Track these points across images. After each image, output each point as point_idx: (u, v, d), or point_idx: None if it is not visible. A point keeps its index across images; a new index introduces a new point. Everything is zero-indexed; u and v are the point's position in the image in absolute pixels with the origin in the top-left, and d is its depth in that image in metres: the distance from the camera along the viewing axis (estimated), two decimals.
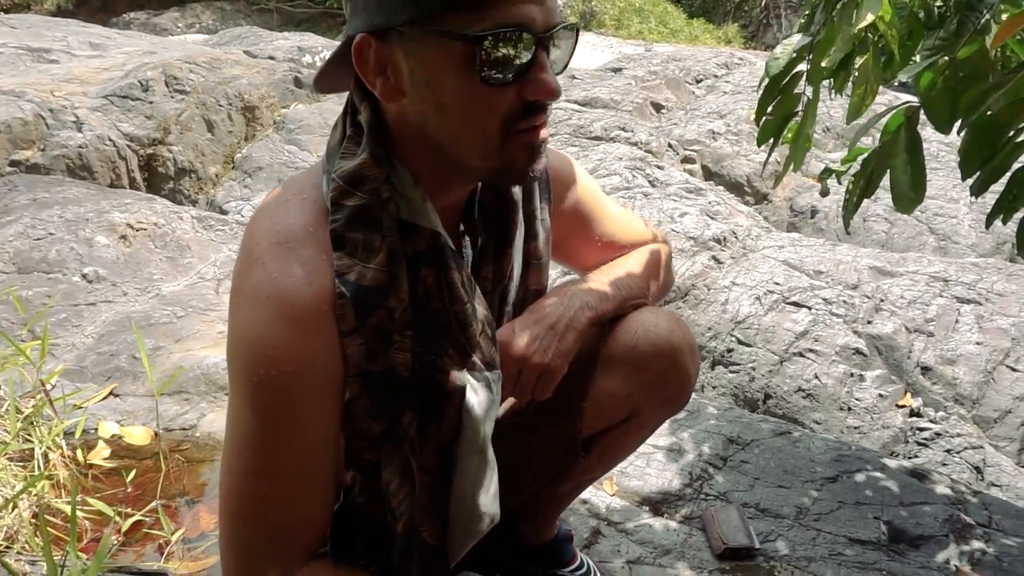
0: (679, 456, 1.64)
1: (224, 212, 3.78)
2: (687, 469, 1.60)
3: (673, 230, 2.95)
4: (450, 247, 0.77)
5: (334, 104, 4.71)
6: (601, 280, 0.98)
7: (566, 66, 0.77)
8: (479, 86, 0.69)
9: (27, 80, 3.79)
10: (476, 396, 0.80)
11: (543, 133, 0.75)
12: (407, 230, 0.75)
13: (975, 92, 1.19)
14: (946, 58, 1.16)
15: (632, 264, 1.02)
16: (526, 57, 0.69)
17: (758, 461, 1.64)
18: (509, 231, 0.88)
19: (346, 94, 0.80)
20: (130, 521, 1.42)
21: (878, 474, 1.63)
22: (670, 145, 3.85)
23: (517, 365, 0.88)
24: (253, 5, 12.02)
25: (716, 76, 4.52)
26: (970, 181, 1.29)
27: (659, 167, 3.39)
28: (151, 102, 3.99)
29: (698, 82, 4.49)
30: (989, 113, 1.18)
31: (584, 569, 1.25)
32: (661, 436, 1.71)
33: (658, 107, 4.24)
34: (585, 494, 1.51)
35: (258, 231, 0.75)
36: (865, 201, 1.37)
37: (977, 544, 1.43)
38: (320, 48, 5.03)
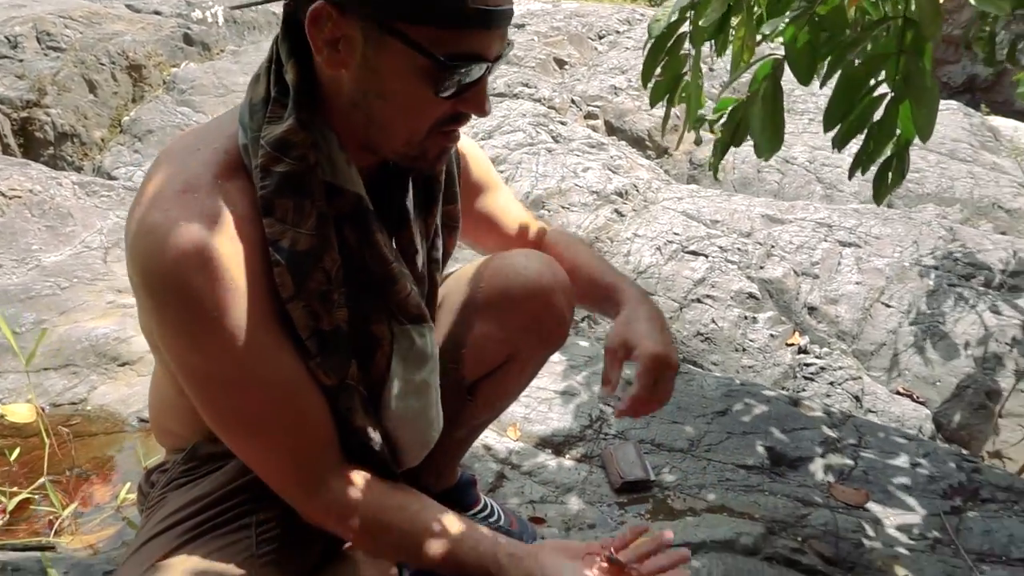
0: (579, 400, 1.71)
1: (113, 179, 3.57)
2: (586, 411, 1.66)
3: (576, 185, 3.00)
4: (371, 209, 0.79)
5: (228, 63, 4.49)
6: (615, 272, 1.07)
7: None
8: (428, 96, 0.73)
9: None
10: (401, 345, 0.85)
11: (458, 134, 0.80)
12: (331, 192, 0.77)
13: (835, 48, 1.25)
14: (806, 18, 1.21)
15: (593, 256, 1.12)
16: (474, 79, 0.73)
17: None
18: (435, 189, 0.91)
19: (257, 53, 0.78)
20: (16, 499, 1.36)
21: (763, 406, 1.74)
22: (573, 101, 3.89)
23: (672, 371, 0.95)
24: None
25: (618, 32, 4.57)
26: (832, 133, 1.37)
27: (562, 123, 3.43)
28: (21, 60, 3.70)
29: (600, 38, 4.52)
30: (849, 68, 1.26)
31: (488, 511, 1.29)
32: (561, 381, 1.77)
33: (561, 63, 4.26)
34: (489, 440, 1.55)
35: (162, 177, 0.74)
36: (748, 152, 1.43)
37: (847, 461, 1.56)
38: (211, 2, 4.76)
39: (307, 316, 0.76)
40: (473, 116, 0.78)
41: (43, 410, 1.63)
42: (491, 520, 1.27)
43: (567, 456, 1.54)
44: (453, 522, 0.86)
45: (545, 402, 1.67)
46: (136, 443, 1.57)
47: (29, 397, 1.66)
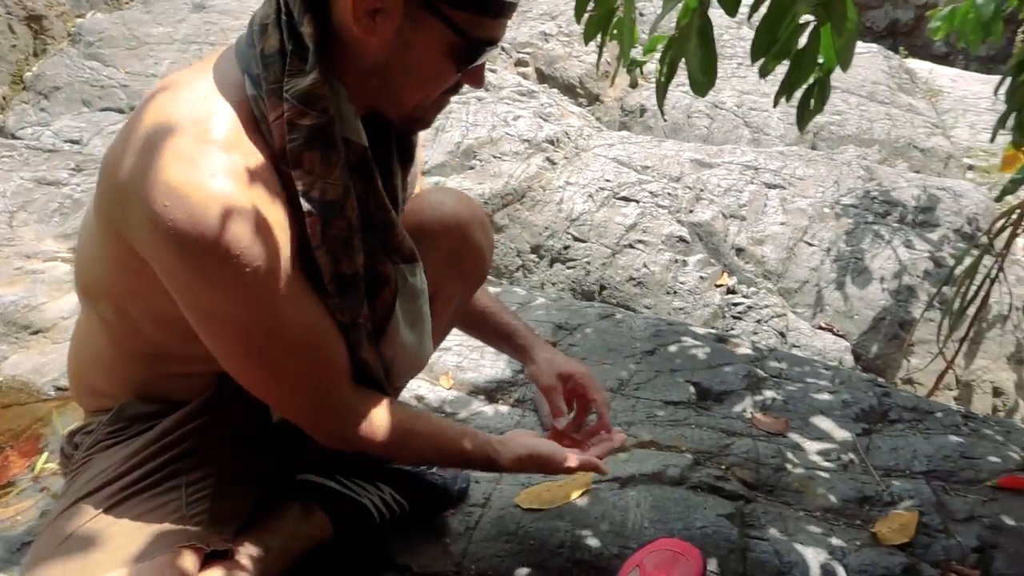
0: None
1: (18, 139, 3.36)
2: None
3: (507, 133, 2.97)
4: (372, 160, 0.84)
5: (139, 13, 4.24)
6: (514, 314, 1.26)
7: None
8: (449, 71, 0.82)
9: None
10: (403, 283, 0.93)
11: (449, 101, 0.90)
12: (344, 144, 0.81)
13: None
14: None
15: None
16: (485, 59, 0.83)
17: (584, 343, 1.75)
18: (412, 146, 0.97)
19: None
20: None
21: (689, 343, 1.79)
22: (503, 48, 3.83)
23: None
24: None
25: None
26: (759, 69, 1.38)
27: (492, 70, 3.37)
28: None
29: None
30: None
31: None
32: None
33: None
34: (422, 391, 1.56)
35: (171, 128, 0.73)
36: (688, 98, 1.44)
37: (769, 393, 1.63)
38: None
39: (330, 261, 0.80)
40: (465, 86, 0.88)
41: None
42: (429, 469, 1.29)
43: (500, 402, 1.56)
44: (453, 424, 1.01)
45: (477, 350, 1.68)
46: (53, 412, 1.51)
47: None
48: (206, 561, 0.84)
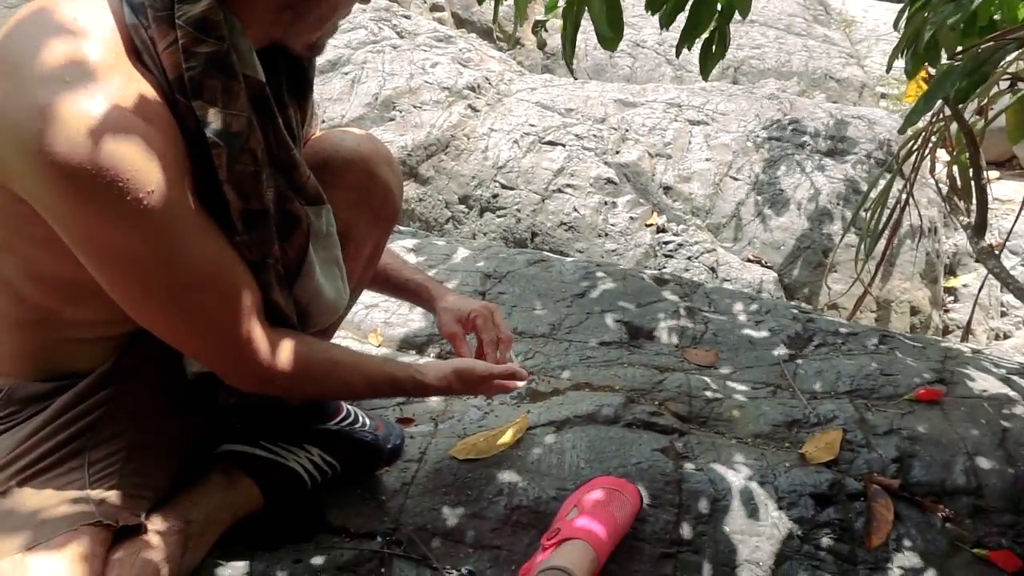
0: None
1: None
2: None
3: (426, 82, 2.88)
4: (271, 96, 0.81)
5: None
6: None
7: None
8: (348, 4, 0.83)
9: None
10: (312, 225, 0.89)
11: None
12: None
13: None
14: None
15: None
16: None
17: (514, 290, 1.73)
18: (308, 75, 0.93)
19: None
20: None
21: (619, 284, 1.79)
22: None
23: (498, 313, 1.19)
24: None
25: None
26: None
27: (406, 16, 3.24)
28: None
29: None
30: None
31: (351, 418, 1.26)
32: None
33: None
34: (352, 348, 1.51)
35: (41, 53, 0.67)
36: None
37: (699, 327, 1.65)
38: None
39: (238, 197, 0.77)
40: None
41: None
42: (356, 426, 1.25)
43: (430, 354, 1.53)
44: (373, 354, 1.10)
45: (405, 305, 1.64)
46: None
47: None
48: (117, 539, 0.79)
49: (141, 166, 0.69)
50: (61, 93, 0.66)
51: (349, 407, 1.28)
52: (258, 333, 0.84)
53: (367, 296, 1.61)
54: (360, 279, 1.15)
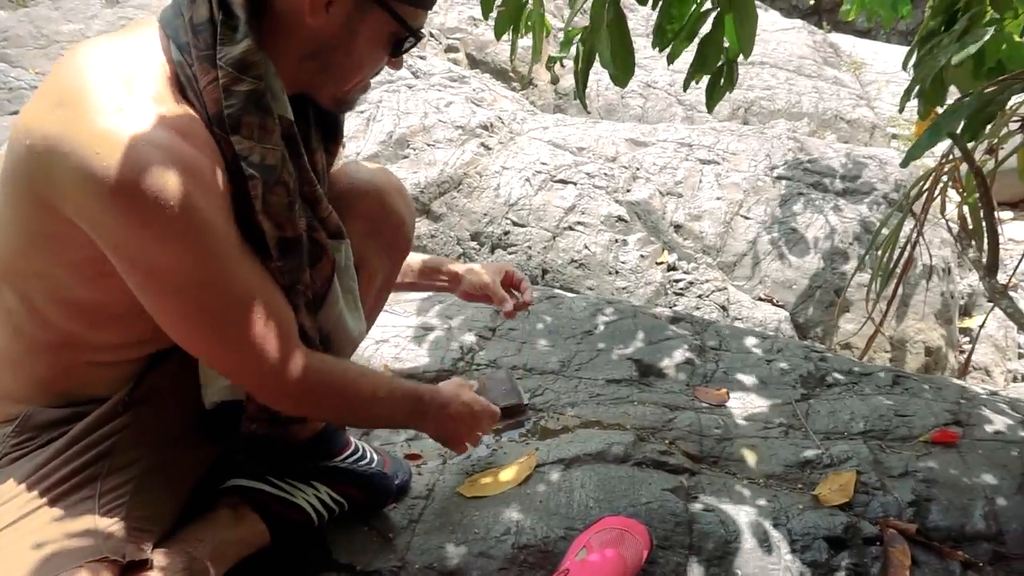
0: (450, 334, 1.69)
1: None
2: (458, 344, 1.65)
3: (440, 120, 2.93)
4: (298, 135, 0.86)
5: (47, 10, 4.02)
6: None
7: None
8: (382, 56, 0.89)
9: None
10: (336, 256, 0.95)
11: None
12: None
13: None
14: None
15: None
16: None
17: (524, 326, 1.73)
18: (337, 126, 1.00)
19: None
20: None
21: (629, 321, 1.79)
22: (431, 34, 3.77)
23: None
24: None
25: None
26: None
27: (421, 57, 3.31)
28: None
29: None
30: None
31: (359, 454, 1.26)
32: (432, 317, 1.74)
33: None
34: None
35: (95, 84, 0.72)
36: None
37: (710, 365, 1.64)
38: None
39: (273, 226, 0.82)
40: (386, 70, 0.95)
41: None
42: (363, 462, 1.25)
43: None
44: (385, 375, 1.11)
45: (415, 339, 1.64)
46: None
47: None
48: (123, 574, 0.79)
49: (193, 191, 0.73)
50: (119, 121, 0.70)
51: (357, 442, 1.27)
52: (295, 352, 0.87)
53: (376, 331, 1.61)
54: (372, 309, 1.17)
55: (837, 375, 1.62)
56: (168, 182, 0.71)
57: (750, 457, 1.33)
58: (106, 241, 0.74)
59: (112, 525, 0.82)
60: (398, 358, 1.59)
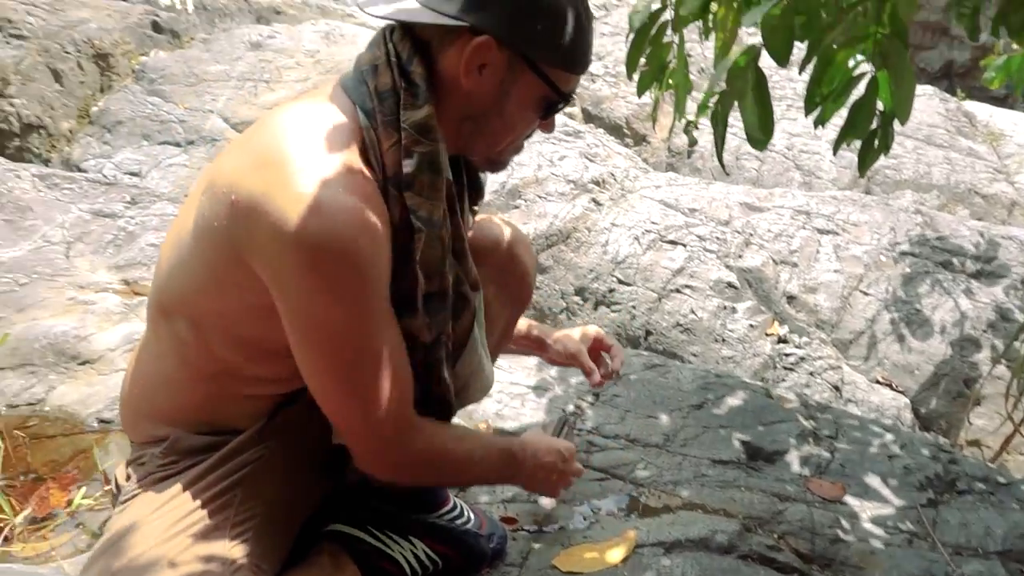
0: (553, 395, 1.67)
1: (82, 171, 3.48)
2: (560, 406, 1.63)
3: (553, 174, 2.96)
4: (455, 195, 0.91)
5: (199, 51, 4.39)
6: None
7: None
8: (534, 118, 0.92)
9: None
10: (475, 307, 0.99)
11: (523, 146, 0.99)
12: None
13: (812, 30, 1.23)
14: (782, 4, 1.19)
15: None
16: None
17: (629, 394, 1.69)
18: (482, 184, 1.05)
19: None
20: None
21: (739, 398, 1.72)
22: None
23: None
24: None
25: (595, 18, 4.51)
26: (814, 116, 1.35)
27: None
28: None
29: None
30: (828, 50, 1.23)
31: (456, 512, 1.25)
32: (533, 376, 1.73)
33: None
34: None
35: (294, 149, 0.80)
36: (738, 140, 1.42)
37: (824, 454, 1.54)
38: None
39: (424, 276, 0.86)
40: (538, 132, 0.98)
41: None
42: (459, 521, 1.24)
43: None
44: (479, 434, 1.16)
45: (518, 397, 1.64)
46: (94, 446, 1.51)
47: None
48: None
49: (368, 255, 0.79)
50: (314, 185, 0.77)
51: (456, 500, 1.27)
52: (407, 422, 0.90)
53: None
54: (491, 356, 1.19)
55: (970, 480, 1.49)
56: (353, 244, 0.77)
57: (869, 564, 1.23)
58: (284, 292, 0.81)
59: (240, 556, 0.85)
60: (500, 415, 1.59)
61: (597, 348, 1.30)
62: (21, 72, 3.68)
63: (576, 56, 0.89)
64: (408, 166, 0.83)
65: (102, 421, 1.58)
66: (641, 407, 1.66)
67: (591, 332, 1.30)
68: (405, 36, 0.86)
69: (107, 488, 1.33)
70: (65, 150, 3.77)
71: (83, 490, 1.37)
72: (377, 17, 0.89)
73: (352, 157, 0.82)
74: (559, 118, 3.84)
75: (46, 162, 3.62)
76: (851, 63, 1.29)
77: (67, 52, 3.91)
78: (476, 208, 1.07)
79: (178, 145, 3.75)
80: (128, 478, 0.95)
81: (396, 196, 0.83)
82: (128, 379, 1.01)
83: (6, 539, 1.26)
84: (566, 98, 0.91)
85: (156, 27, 4.33)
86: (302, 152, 0.79)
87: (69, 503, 1.35)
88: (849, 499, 1.41)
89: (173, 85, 4.11)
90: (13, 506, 1.31)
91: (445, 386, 0.95)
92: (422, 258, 0.85)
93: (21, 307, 1.88)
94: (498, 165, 0.98)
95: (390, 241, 0.83)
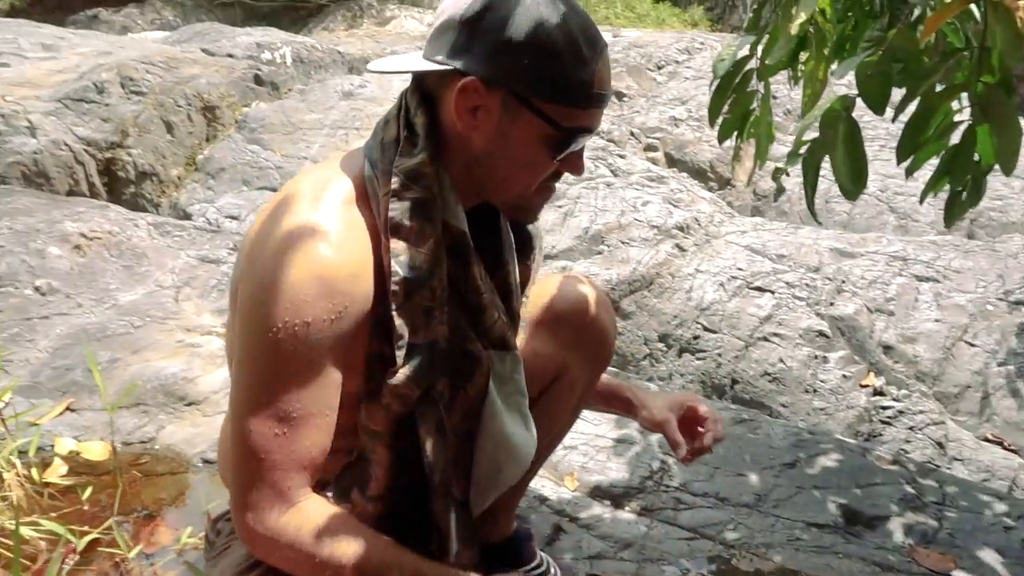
0: (639, 449, 1.65)
1: (188, 215, 3.72)
2: (647, 461, 1.61)
3: (636, 219, 2.96)
4: (472, 245, 0.89)
5: (296, 102, 4.65)
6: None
7: None
8: (544, 159, 0.86)
9: None
10: (495, 368, 0.93)
11: (554, 189, 0.93)
12: (443, 225, 0.87)
13: (909, 77, 1.20)
14: (878, 52, 1.17)
15: None
16: (580, 147, 0.87)
17: (718, 450, 1.65)
18: (529, 240, 1.03)
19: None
20: (86, 540, 1.40)
21: (836, 457, 1.65)
22: (632, 133, 3.86)
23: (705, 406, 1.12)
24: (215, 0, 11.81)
25: (678, 62, 4.52)
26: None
27: (621, 156, 3.40)
28: (107, 104, 3.91)
29: (659, 68, 4.48)
30: (926, 97, 1.20)
31: (543, 568, 1.25)
32: (620, 428, 1.72)
33: (620, 95, 4.24)
34: (546, 491, 1.52)
35: (297, 197, 0.84)
36: (827, 183, 1.38)
37: (931, 522, 1.46)
38: (280, 44, 4.96)
39: (406, 326, 0.83)
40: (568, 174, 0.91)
41: (114, 449, 1.69)
42: None
43: (626, 508, 1.49)
44: (405, 552, 0.84)
45: (604, 450, 1.63)
46: (199, 484, 1.60)
47: (103, 436, 1.72)
48: None
49: (311, 302, 0.78)
50: (295, 233, 0.79)
51: (543, 555, 1.27)
52: (289, 488, 0.81)
53: (567, 437, 1.62)
54: (568, 420, 1.18)
55: None
56: (297, 283, 0.77)
57: None
58: (237, 312, 0.84)
59: None
60: (585, 468, 1.58)
61: (690, 418, 1.13)
62: (139, 124, 3.99)
63: (573, 88, 0.82)
64: (395, 211, 0.82)
65: (206, 461, 1.66)
66: (730, 464, 1.61)
67: (685, 400, 1.14)
68: (416, 89, 0.87)
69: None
70: (173, 195, 4.04)
71: (189, 529, 1.45)
72: (378, 72, 0.92)
73: (341, 204, 0.83)
74: (640, 162, 3.83)
75: (156, 207, 3.89)
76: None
77: (179, 105, 4.21)
78: (531, 262, 1.04)
79: (274, 190, 3.96)
80: (219, 532, 0.99)
81: (386, 243, 0.82)
82: (223, 428, 1.04)
83: (121, 574, 1.34)
84: (572, 135, 0.84)
85: (258, 80, 4.62)
86: (297, 201, 0.82)
87: (177, 540, 1.42)
88: (958, 573, 1.33)
89: (271, 134, 4.36)
90: (127, 542, 1.39)
91: (426, 456, 0.86)
92: (401, 306, 0.82)
93: (136, 348, 2.02)
94: (525, 212, 0.94)
95: (371, 290, 0.82)
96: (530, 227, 1.05)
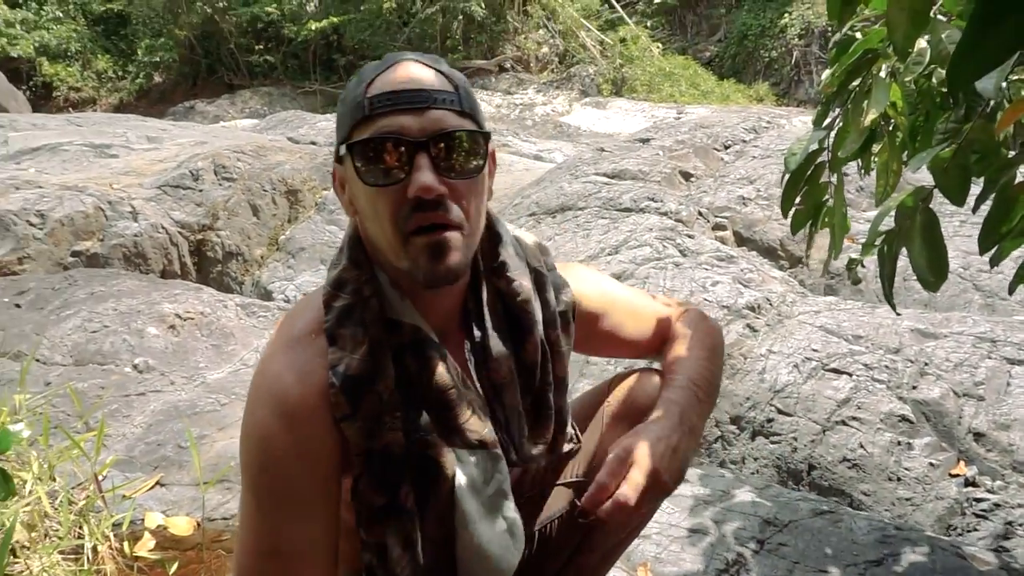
0: (714, 540, 1.61)
1: (269, 292, 3.92)
2: (723, 554, 1.56)
3: (705, 299, 2.95)
4: (432, 339, 0.86)
5: None
6: (691, 385, 0.97)
7: (480, 168, 0.84)
8: (366, 189, 0.81)
9: (89, 175, 4.06)
10: (465, 471, 0.87)
11: (447, 236, 0.81)
12: (391, 325, 0.85)
13: (987, 168, 1.20)
14: (955, 144, 1.18)
15: (703, 356, 1.02)
16: (391, 160, 0.79)
17: (797, 544, 1.60)
18: (524, 320, 0.93)
19: None
20: None
21: (925, 556, 1.57)
22: (700, 213, 3.88)
23: (650, 479, 0.85)
24: (297, 88, 12.67)
25: (744, 141, 4.56)
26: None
27: (689, 236, 3.42)
28: (201, 190, 4.22)
29: (726, 148, 4.53)
30: (1007, 187, 1.20)
31: None
32: (695, 518, 1.68)
33: (687, 176, 4.29)
34: None
35: (278, 335, 0.88)
36: (904, 261, 1.35)
37: None
38: None
39: (361, 435, 0.81)
40: (439, 205, 0.80)
41: (199, 524, 1.76)
42: None
43: None
44: None
45: (677, 541, 1.59)
46: None
47: (188, 512, 1.79)
48: None
49: (285, 457, 0.80)
50: (267, 370, 0.84)
51: None
52: None
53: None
54: (649, 510, 1.16)
55: None
56: (269, 442, 0.80)
57: None
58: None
59: None
60: (659, 558, 1.55)
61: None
62: (228, 208, 4.28)
63: (354, 108, 0.81)
64: (327, 322, 0.83)
65: None
66: (811, 560, 1.55)
67: (630, 450, 0.87)
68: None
69: None
70: (256, 274, 4.27)
71: None
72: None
73: (304, 333, 0.84)
74: (709, 242, 3.82)
75: (240, 284, 4.11)
76: None
77: (264, 190, 4.49)
78: (534, 354, 0.94)
79: None
80: None
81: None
82: None
83: None
84: (352, 148, 0.80)
85: None
86: (268, 357, 0.85)
87: None
88: None
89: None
90: None
91: (401, 567, 0.85)
92: (350, 416, 0.81)
93: (222, 426, 2.12)
94: (418, 270, 0.82)
95: (332, 422, 0.81)
96: (561, 300, 0.98)
